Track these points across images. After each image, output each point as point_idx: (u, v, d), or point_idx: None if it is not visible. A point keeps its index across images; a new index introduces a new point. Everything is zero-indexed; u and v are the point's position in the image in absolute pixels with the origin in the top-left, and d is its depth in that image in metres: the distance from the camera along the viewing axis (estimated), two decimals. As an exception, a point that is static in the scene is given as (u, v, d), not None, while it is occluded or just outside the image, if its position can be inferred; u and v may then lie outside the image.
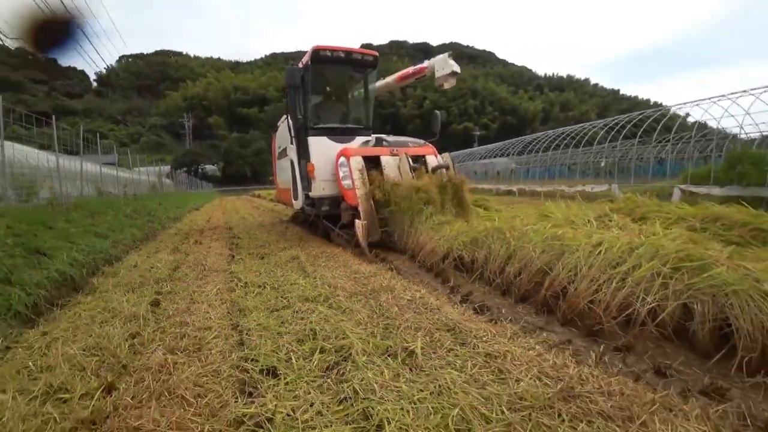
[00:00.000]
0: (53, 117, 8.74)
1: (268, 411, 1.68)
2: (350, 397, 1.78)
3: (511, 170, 32.60)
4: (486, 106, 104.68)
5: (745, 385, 1.99)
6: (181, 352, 2.27)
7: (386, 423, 1.55)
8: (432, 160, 6.67)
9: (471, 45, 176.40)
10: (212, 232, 8.25)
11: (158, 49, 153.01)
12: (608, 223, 4.27)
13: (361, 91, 7.93)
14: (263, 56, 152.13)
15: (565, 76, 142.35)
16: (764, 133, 15.27)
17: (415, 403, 1.68)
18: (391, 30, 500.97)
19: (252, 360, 2.19)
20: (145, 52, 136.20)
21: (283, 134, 8.06)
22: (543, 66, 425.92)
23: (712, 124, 16.05)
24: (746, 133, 15.47)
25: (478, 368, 1.99)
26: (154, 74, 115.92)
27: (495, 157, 34.56)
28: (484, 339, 2.35)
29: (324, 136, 6.89)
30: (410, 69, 7.96)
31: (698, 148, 19.20)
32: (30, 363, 2.22)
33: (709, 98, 14.56)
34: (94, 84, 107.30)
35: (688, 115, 17.18)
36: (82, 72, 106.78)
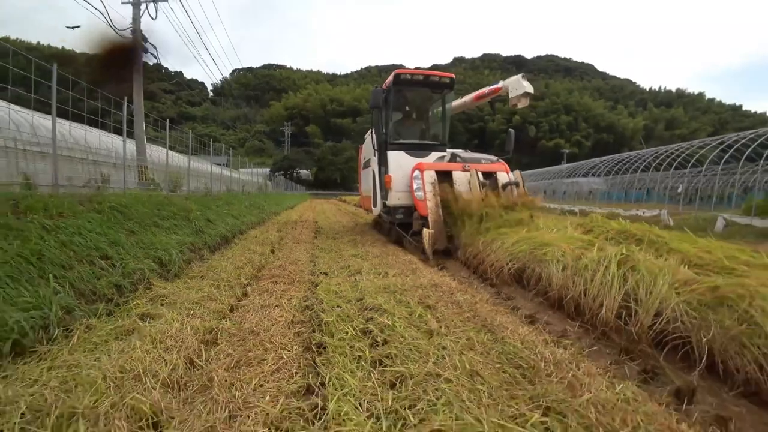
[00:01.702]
0: (211, 141, 12.41)
1: (320, 282, 4.30)
2: (354, 283, 4.32)
3: (590, 191, 32.11)
4: (580, 122, 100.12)
5: (534, 303, 4.17)
6: (288, 264, 5.03)
7: (362, 286, 4.07)
8: (503, 176, 6.94)
9: (569, 57, 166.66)
10: (303, 224, 11.31)
11: (265, 62, 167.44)
12: (561, 229, 6.30)
13: (439, 110, 8.49)
14: (359, 69, 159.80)
15: (674, 90, 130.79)
16: None
17: (376, 284, 4.19)
18: (485, 43, 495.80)
19: (317, 269, 4.87)
20: (253, 66, 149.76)
21: (368, 147, 8.82)
22: (649, 79, 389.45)
23: None
24: None
25: (410, 278, 4.43)
26: (260, 85, 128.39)
27: (581, 176, 32.90)
28: (423, 272, 4.77)
29: (402, 150, 7.45)
30: (486, 89, 8.37)
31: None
32: (221, 262, 5.09)
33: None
34: (211, 94, 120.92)
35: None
36: (202, 83, 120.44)
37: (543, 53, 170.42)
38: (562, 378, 2.08)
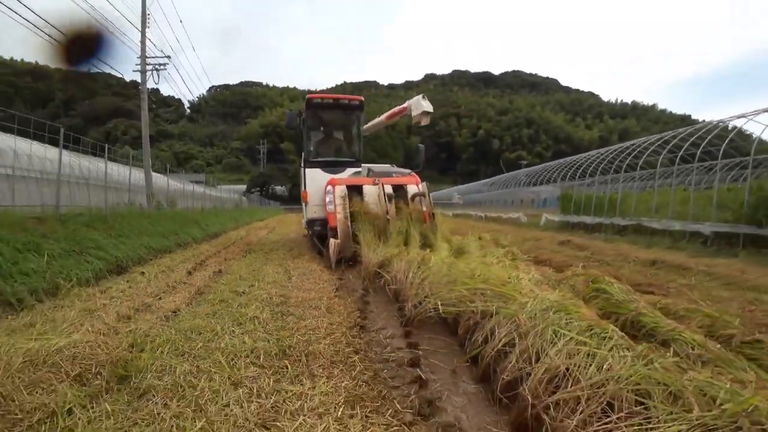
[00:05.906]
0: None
1: (254, 246, 10.46)
2: (271, 246, 10.46)
3: (545, 199, 31.07)
4: (540, 135, 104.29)
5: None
6: (253, 238, 11.25)
7: (272, 244, 10.24)
8: (412, 188, 7.30)
9: (534, 72, 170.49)
10: (265, 228, 17.46)
11: (243, 79, 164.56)
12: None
13: (352, 129, 9.12)
14: (334, 85, 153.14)
15: (629, 102, 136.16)
16: None
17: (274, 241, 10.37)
18: (454, 59, 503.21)
19: (260, 242, 11.03)
20: (230, 83, 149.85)
21: None
22: (611, 92, 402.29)
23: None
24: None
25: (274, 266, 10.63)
26: (237, 102, 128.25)
27: (539, 184, 30.26)
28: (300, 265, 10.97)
29: (319, 168, 8.08)
30: (396, 108, 8.90)
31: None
32: (218, 240, 11.17)
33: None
34: (188, 111, 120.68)
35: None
36: (179, 100, 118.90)
37: (510, 69, 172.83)
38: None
